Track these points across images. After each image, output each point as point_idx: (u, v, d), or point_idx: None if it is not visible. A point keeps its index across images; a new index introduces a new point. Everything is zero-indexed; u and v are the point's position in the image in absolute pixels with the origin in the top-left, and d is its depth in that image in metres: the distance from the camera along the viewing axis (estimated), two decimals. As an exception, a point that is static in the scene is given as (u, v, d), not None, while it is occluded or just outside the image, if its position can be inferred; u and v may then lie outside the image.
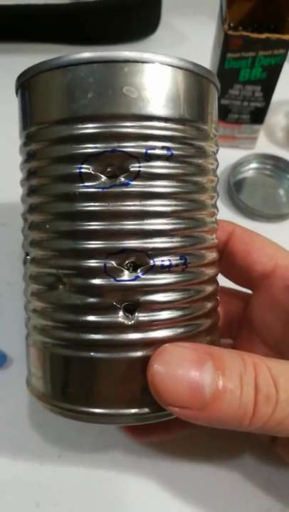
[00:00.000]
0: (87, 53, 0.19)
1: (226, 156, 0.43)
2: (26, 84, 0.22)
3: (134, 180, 0.19)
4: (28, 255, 0.23)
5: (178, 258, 0.20)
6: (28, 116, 0.22)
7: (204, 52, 0.45)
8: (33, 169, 0.21)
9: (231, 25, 0.40)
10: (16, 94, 0.23)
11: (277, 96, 0.42)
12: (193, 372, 0.18)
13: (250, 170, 0.46)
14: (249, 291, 0.29)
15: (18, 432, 0.30)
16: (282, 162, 0.45)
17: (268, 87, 0.41)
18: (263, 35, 0.37)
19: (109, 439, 0.30)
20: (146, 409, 0.20)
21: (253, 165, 0.46)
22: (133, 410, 0.20)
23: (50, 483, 0.29)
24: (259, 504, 0.28)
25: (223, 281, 0.26)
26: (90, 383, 0.20)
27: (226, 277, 0.28)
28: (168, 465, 0.29)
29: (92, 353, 0.20)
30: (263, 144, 0.47)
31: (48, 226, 0.21)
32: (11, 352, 0.33)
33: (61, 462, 0.29)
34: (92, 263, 0.19)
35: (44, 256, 0.21)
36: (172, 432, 0.27)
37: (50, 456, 0.30)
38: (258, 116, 0.44)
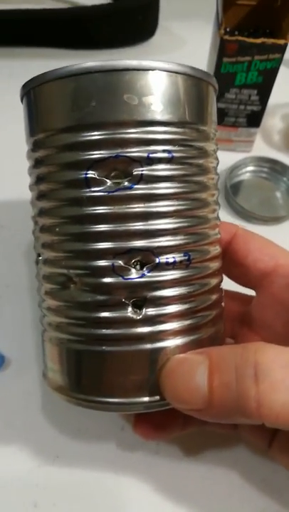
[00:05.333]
0: (88, 63, 0.20)
1: (223, 159, 0.43)
2: (32, 92, 0.22)
3: (137, 183, 0.20)
4: (39, 256, 0.24)
5: (182, 255, 0.21)
6: (35, 123, 0.23)
7: (201, 56, 0.46)
8: (42, 175, 0.22)
9: (227, 29, 0.40)
10: (22, 101, 0.24)
11: (273, 99, 0.42)
12: (189, 377, 0.20)
13: (246, 173, 0.46)
14: (250, 293, 0.29)
15: (16, 434, 0.31)
16: (279, 165, 0.45)
17: (264, 90, 0.41)
18: (259, 40, 0.37)
19: (106, 440, 0.31)
20: (156, 397, 0.21)
21: (250, 168, 0.46)
22: (144, 398, 0.21)
23: (48, 484, 0.29)
24: (255, 505, 0.28)
25: (225, 283, 0.26)
26: (103, 375, 0.22)
27: (229, 277, 0.28)
28: (165, 466, 0.30)
29: (103, 347, 0.21)
30: (260, 147, 0.48)
31: (58, 229, 0.22)
32: (9, 354, 0.33)
33: (59, 463, 0.30)
34: (101, 263, 0.21)
35: (56, 257, 0.22)
36: (178, 430, 0.28)
37: (48, 457, 0.30)
38: (255, 119, 0.44)
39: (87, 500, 0.28)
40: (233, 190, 0.44)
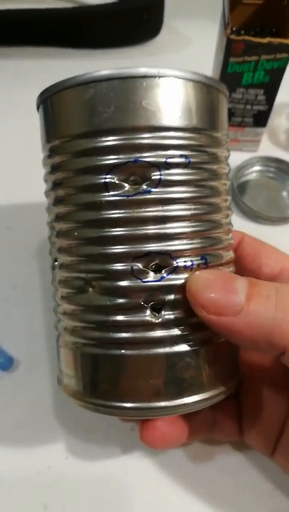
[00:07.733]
0: (108, 70, 0.20)
1: (229, 159, 0.44)
2: (49, 100, 0.23)
3: (155, 187, 0.21)
4: (56, 261, 0.24)
5: (199, 258, 0.22)
6: (51, 130, 0.23)
7: (207, 55, 0.46)
8: (58, 180, 0.23)
9: (234, 29, 0.40)
10: (38, 109, 0.24)
11: (280, 98, 0.42)
12: (227, 280, 0.20)
13: (253, 172, 0.46)
14: None
15: (26, 435, 0.31)
16: (285, 164, 0.45)
17: (271, 90, 0.41)
18: (265, 40, 0.37)
19: (116, 441, 0.31)
20: (174, 402, 0.22)
21: (256, 167, 0.46)
22: (162, 403, 0.21)
23: (58, 486, 0.29)
24: (265, 506, 0.28)
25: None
26: (121, 379, 0.22)
27: None
28: (175, 468, 0.30)
29: (122, 351, 0.21)
30: (266, 147, 0.48)
31: (76, 233, 0.22)
32: (18, 355, 0.34)
33: (69, 465, 0.30)
34: (120, 266, 0.21)
35: (73, 262, 0.22)
36: (185, 439, 0.27)
37: (58, 458, 0.30)
38: (261, 119, 0.44)
39: (96, 502, 0.29)
40: (239, 190, 0.44)
